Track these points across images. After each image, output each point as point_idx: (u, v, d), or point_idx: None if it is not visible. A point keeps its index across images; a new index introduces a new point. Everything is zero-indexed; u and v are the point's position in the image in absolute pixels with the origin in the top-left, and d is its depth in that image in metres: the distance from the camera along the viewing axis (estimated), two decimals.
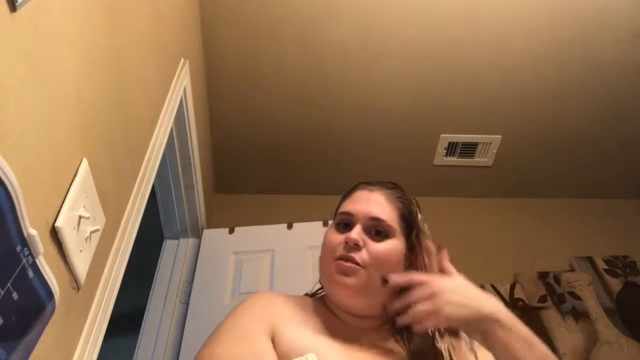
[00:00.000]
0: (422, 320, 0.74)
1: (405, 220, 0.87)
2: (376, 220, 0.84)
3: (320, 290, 0.94)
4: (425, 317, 0.74)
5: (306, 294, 0.96)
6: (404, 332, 0.82)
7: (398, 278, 0.80)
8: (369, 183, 0.92)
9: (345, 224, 0.87)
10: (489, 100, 2.40)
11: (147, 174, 1.23)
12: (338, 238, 0.85)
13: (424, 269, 0.83)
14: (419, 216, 0.89)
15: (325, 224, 2.12)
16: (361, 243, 0.82)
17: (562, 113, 2.46)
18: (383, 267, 0.82)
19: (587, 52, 2.23)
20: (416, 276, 0.79)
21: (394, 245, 0.84)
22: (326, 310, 0.87)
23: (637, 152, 2.63)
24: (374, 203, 0.87)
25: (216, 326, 0.80)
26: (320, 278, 0.92)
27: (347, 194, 0.93)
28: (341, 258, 0.82)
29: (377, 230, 0.84)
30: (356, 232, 0.83)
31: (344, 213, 0.88)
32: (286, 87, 2.33)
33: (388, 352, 0.81)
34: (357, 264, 0.81)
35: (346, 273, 0.81)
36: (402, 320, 0.76)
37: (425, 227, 0.89)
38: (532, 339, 0.75)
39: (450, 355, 0.77)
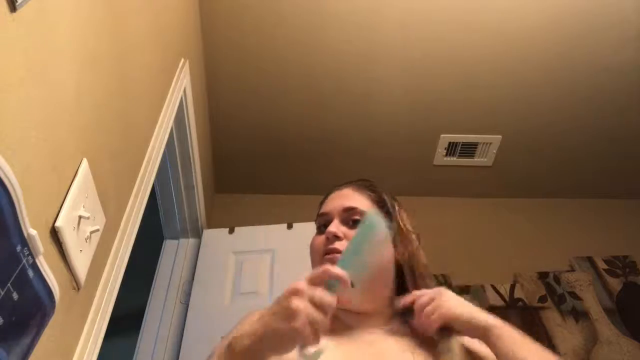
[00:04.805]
0: (429, 316, 0.77)
1: (380, 206, 0.88)
2: (349, 209, 0.87)
3: None
4: (431, 312, 0.77)
5: None
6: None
7: (404, 300, 0.82)
8: (339, 185, 0.96)
9: (324, 225, 0.89)
10: (489, 100, 2.40)
11: (147, 174, 1.23)
12: (319, 239, 0.88)
13: (407, 250, 0.86)
14: (396, 206, 0.91)
15: None
16: (340, 234, 0.84)
17: (562, 113, 2.46)
18: None
19: (587, 53, 2.23)
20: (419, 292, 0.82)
21: None
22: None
23: (637, 153, 2.63)
24: (344, 196, 0.90)
25: None
26: None
27: (321, 202, 0.96)
28: (326, 253, 0.83)
29: (354, 219, 0.86)
30: (334, 225, 0.85)
31: (320, 215, 0.91)
32: (286, 87, 2.33)
33: (393, 352, 0.79)
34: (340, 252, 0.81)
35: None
36: (416, 324, 0.80)
37: (404, 216, 0.91)
38: (527, 339, 0.76)
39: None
